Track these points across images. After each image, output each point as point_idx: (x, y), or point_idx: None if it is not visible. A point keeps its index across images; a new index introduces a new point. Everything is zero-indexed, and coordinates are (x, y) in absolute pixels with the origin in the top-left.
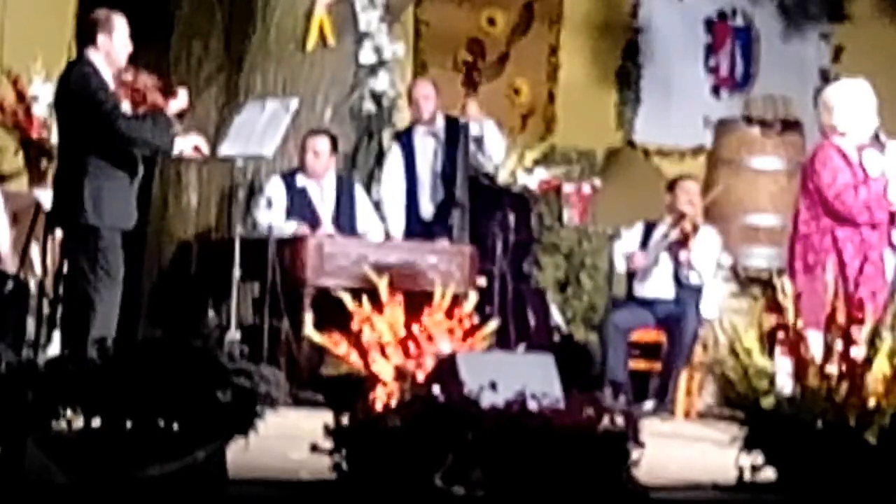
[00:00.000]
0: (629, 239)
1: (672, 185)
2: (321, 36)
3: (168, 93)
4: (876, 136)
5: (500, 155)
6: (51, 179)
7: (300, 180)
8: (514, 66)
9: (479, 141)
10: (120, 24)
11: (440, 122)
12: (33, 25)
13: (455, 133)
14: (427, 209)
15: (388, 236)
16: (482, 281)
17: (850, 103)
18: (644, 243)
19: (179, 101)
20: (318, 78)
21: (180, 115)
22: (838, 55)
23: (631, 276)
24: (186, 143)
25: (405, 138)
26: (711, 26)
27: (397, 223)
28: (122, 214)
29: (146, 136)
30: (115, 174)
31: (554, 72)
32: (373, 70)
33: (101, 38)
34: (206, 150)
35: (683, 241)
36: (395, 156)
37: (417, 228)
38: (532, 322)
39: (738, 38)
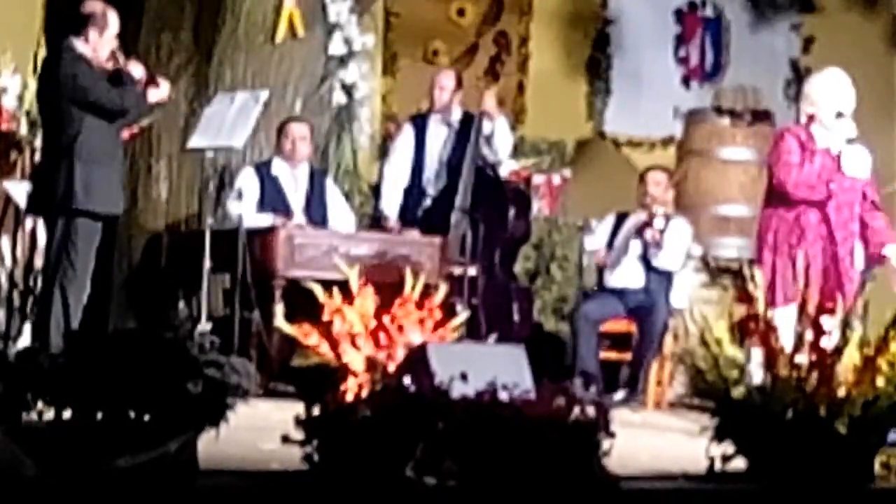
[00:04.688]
0: (600, 231)
1: (642, 176)
2: (291, 27)
3: (151, 82)
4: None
5: (507, 152)
6: (20, 171)
7: (274, 169)
8: (484, 56)
9: (488, 137)
10: (113, 21)
11: (457, 114)
12: (2, 17)
13: (468, 128)
14: (428, 197)
15: (381, 214)
16: (472, 271)
17: (823, 90)
18: (614, 234)
19: (160, 91)
20: (288, 69)
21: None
22: (808, 46)
23: (601, 266)
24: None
25: (420, 121)
26: (681, 17)
27: (394, 203)
28: (111, 200)
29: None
30: (103, 160)
31: (524, 63)
32: (343, 61)
33: (91, 32)
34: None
35: (649, 223)
36: (406, 135)
37: (414, 214)
38: (517, 318)
39: (708, 29)
